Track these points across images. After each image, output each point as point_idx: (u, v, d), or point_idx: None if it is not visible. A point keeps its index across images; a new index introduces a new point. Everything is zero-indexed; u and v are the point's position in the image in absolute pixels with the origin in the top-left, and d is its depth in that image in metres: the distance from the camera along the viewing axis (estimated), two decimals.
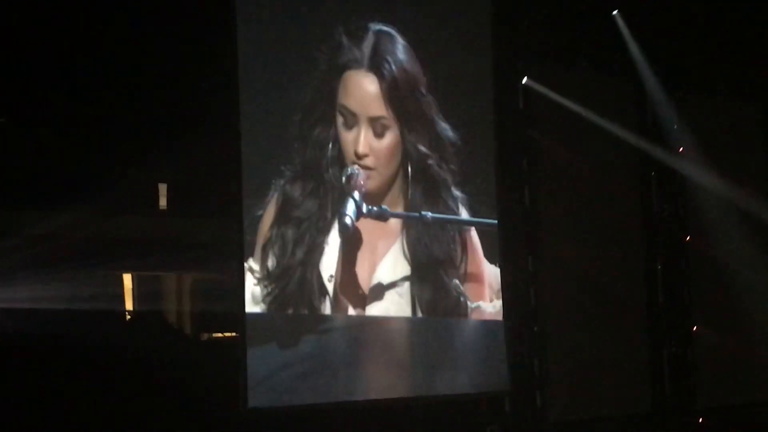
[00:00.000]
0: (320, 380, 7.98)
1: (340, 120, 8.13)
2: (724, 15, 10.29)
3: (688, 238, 10.68)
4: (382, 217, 8.25)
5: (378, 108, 8.24)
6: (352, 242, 8.14)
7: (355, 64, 8.21)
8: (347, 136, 8.13)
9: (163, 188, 7.97)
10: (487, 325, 8.94)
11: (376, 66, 8.26)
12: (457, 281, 8.65)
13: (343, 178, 8.07)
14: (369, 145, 8.17)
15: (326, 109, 8.08)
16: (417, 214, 8.42)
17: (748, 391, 10.85)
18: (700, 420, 10.50)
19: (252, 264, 7.72)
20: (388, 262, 8.34)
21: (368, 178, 8.14)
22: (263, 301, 7.74)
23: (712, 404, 10.56)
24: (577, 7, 9.84)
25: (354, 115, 8.15)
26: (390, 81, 8.29)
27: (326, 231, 8.03)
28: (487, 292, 8.86)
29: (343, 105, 8.14)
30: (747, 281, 10.65)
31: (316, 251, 7.96)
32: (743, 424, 10.61)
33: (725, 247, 10.57)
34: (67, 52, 7.26)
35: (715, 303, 10.68)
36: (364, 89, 8.23)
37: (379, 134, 8.22)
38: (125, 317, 7.98)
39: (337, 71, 8.14)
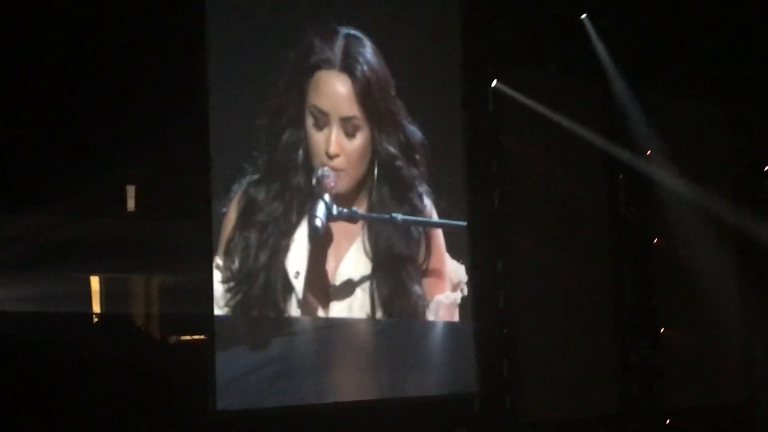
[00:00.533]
0: (290, 382, 7.97)
1: (310, 121, 8.12)
2: (691, 19, 10.36)
3: (655, 240, 10.75)
4: (352, 219, 8.27)
5: (349, 108, 8.24)
6: (318, 241, 8.14)
7: (326, 64, 8.21)
8: (318, 137, 8.12)
9: (131, 190, 7.91)
10: (456, 327, 8.97)
11: (348, 67, 8.27)
12: (417, 278, 8.67)
13: (314, 180, 8.07)
14: (340, 145, 8.17)
15: (296, 110, 8.08)
16: (387, 216, 8.44)
17: (715, 392, 10.94)
18: (668, 421, 10.56)
19: (217, 260, 7.73)
20: (350, 259, 8.36)
21: (338, 179, 8.15)
22: (227, 304, 7.73)
23: (680, 406, 10.63)
24: (546, 10, 9.88)
25: (325, 114, 8.15)
26: (362, 82, 8.30)
27: (291, 233, 8.03)
28: (447, 286, 8.88)
29: (314, 105, 8.14)
30: (714, 283, 10.72)
31: (280, 253, 7.96)
32: (710, 426, 10.68)
33: (692, 249, 10.63)
34: (33, 54, 7.20)
35: (682, 305, 10.75)
36: (336, 89, 8.23)
37: (350, 134, 8.23)
38: (93, 319, 7.92)
39: (307, 71, 8.14)
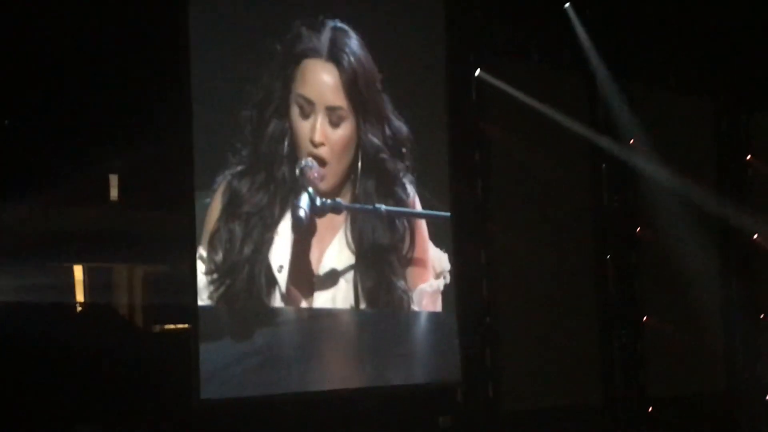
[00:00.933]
0: (274, 372, 7.97)
1: (296, 111, 8.10)
2: (675, 10, 10.37)
3: (638, 230, 10.78)
4: (336, 209, 8.25)
5: (336, 98, 8.24)
6: (302, 233, 8.14)
7: (313, 53, 8.19)
8: (303, 125, 8.10)
9: (114, 179, 7.88)
10: (440, 316, 8.99)
11: (335, 56, 8.25)
12: (400, 268, 8.68)
13: (297, 171, 8.05)
14: (325, 133, 8.15)
15: (281, 101, 8.06)
16: (371, 207, 8.44)
17: (697, 381, 11.00)
18: (650, 410, 10.60)
19: (201, 252, 7.71)
20: (334, 250, 8.35)
21: (322, 170, 8.13)
22: (210, 296, 7.71)
23: (662, 394, 10.68)
24: (529, 0, 9.89)
25: (311, 103, 8.13)
26: (349, 72, 8.29)
27: (274, 225, 8.01)
28: (430, 275, 8.90)
29: (300, 94, 8.12)
30: (696, 273, 10.76)
31: (264, 246, 7.94)
32: (692, 414, 10.74)
33: (675, 239, 10.67)
34: (15, 45, 7.16)
35: (665, 294, 10.80)
36: (322, 78, 8.22)
37: (335, 124, 8.21)
38: (76, 309, 7.91)
39: (294, 60, 8.12)
